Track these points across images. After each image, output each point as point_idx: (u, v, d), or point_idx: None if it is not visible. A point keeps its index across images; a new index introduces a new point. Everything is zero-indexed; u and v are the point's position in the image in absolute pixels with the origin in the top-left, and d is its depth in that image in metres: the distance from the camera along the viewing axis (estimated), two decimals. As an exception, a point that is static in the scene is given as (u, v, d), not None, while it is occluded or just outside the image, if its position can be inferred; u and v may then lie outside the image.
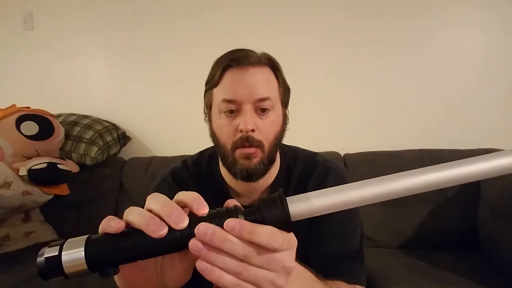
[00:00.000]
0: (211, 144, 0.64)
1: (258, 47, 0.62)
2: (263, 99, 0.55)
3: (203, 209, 0.30)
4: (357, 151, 1.44)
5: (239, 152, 0.55)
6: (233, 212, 0.29)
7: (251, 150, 0.54)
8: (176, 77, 1.72)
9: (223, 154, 0.58)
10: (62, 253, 0.28)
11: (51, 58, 1.84)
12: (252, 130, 0.54)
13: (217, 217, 0.29)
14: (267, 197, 0.30)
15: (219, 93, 0.57)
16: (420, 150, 1.38)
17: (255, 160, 0.55)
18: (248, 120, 0.53)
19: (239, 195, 0.62)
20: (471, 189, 1.25)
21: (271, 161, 0.58)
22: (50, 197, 1.42)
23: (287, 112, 0.63)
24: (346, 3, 1.56)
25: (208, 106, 0.61)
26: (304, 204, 0.29)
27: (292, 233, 0.30)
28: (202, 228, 0.27)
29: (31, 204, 1.37)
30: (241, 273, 0.28)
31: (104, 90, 1.81)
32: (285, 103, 0.62)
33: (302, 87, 1.57)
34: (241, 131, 0.53)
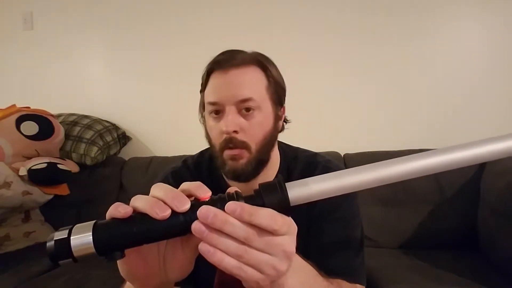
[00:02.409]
0: None
1: (257, 46, 0.62)
2: (245, 100, 0.55)
3: (207, 193, 0.31)
4: (357, 151, 1.44)
5: (225, 153, 0.56)
6: (234, 197, 0.30)
7: (235, 151, 0.55)
8: (177, 77, 1.72)
9: (214, 155, 0.59)
10: (71, 237, 0.29)
11: (51, 58, 1.84)
12: (235, 132, 0.54)
13: (219, 202, 0.30)
14: (267, 182, 0.31)
15: (206, 96, 0.58)
16: (420, 150, 1.37)
17: (242, 161, 0.55)
18: (229, 122, 0.54)
19: None
20: (471, 189, 1.25)
21: (261, 162, 0.58)
22: (50, 197, 1.43)
23: (280, 111, 0.63)
24: (349, 2, 1.56)
25: (202, 108, 0.62)
26: (303, 189, 0.30)
27: (291, 218, 0.31)
28: (204, 210, 0.28)
29: (31, 204, 1.37)
30: (242, 256, 0.28)
31: (104, 90, 1.81)
32: (277, 102, 0.61)
33: (302, 87, 1.57)
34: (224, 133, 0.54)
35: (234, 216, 0.28)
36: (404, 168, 0.30)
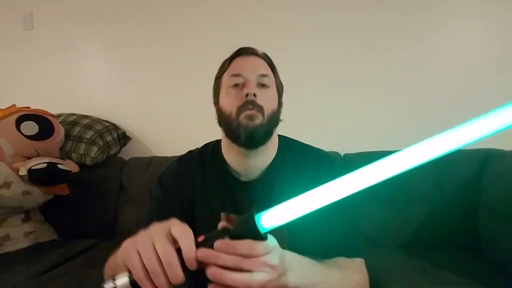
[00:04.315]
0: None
1: (259, 47, 0.68)
2: (263, 75, 0.67)
3: (192, 246, 0.38)
4: (357, 151, 1.44)
5: (243, 115, 0.63)
6: (220, 234, 0.38)
7: (253, 111, 0.63)
8: (176, 77, 1.72)
9: (228, 123, 0.65)
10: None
11: (51, 58, 1.85)
12: (254, 95, 0.64)
13: (210, 240, 0.38)
14: (242, 217, 0.38)
15: (228, 74, 0.68)
16: (420, 150, 1.38)
17: (257, 121, 0.63)
18: (251, 87, 0.65)
19: (239, 174, 0.70)
20: (471, 189, 1.25)
21: (269, 131, 0.66)
22: (50, 197, 1.43)
23: (281, 100, 0.72)
24: (349, 4, 1.56)
25: (217, 91, 0.71)
26: (274, 216, 0.37)
27: (268, 239, 0.39)
28: (200, 253, 0.37)
29: (31, 204, 1.37)
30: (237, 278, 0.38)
31: (104, 90, 1.81)
32: (279, 92, 0.72)
33: (302, 87, 1.58)
34: (247, 95, 0.63)
35: (222, 252, 0.37)
36: (369, 180, 0.33)
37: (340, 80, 1.58)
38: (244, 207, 0.66)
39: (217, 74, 0.72)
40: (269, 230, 0.37)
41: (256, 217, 0.37)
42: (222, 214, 0.67)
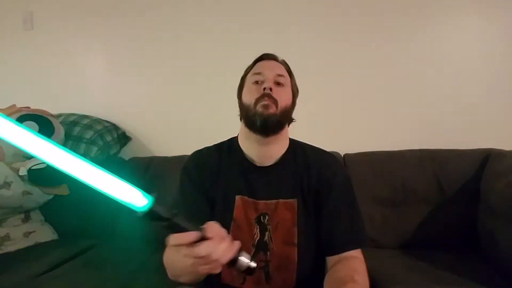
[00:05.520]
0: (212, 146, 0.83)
1: (262, 46, 0.73)
2: (280, 75, 0.78)
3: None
4: (357, 151, 1.44)
5: (259, 104, 0.73)
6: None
7: (268, 101, 0.73)
8: (177, 77, 1.72)
9: (247, 112, 0.75)
10: None
11: (51, 58, 1.85)
12: (271, 89, 0.74)
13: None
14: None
15: (251, 74, 0.80)
16: (420, 150, 1.38)
17: (271, 110, 0.73)
18: (268, 82, 0.75)
19: (254, 160, 0.78)
20: (471, 189, 1.25)
21: (281, 122, 0.75)
22: (50, 197, 1.43)
23: (295, 101, 0.82)
24: (347, 1, 1.56)
25: (241, 88, 0.82)
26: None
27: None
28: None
29: (31, 204, 1.38)
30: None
31: (104, 90, 1.81)
32: (294, 94, 0.82)
33: (301, 87, 1.57)
34: (264, 89, 0.74)
35: None
36: None
37: (341, 80, 1.58)
38: (258, 189, 0.76)
39: (242, 75, 0.84)
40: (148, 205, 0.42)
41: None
42: (237, 197, 0.76)
